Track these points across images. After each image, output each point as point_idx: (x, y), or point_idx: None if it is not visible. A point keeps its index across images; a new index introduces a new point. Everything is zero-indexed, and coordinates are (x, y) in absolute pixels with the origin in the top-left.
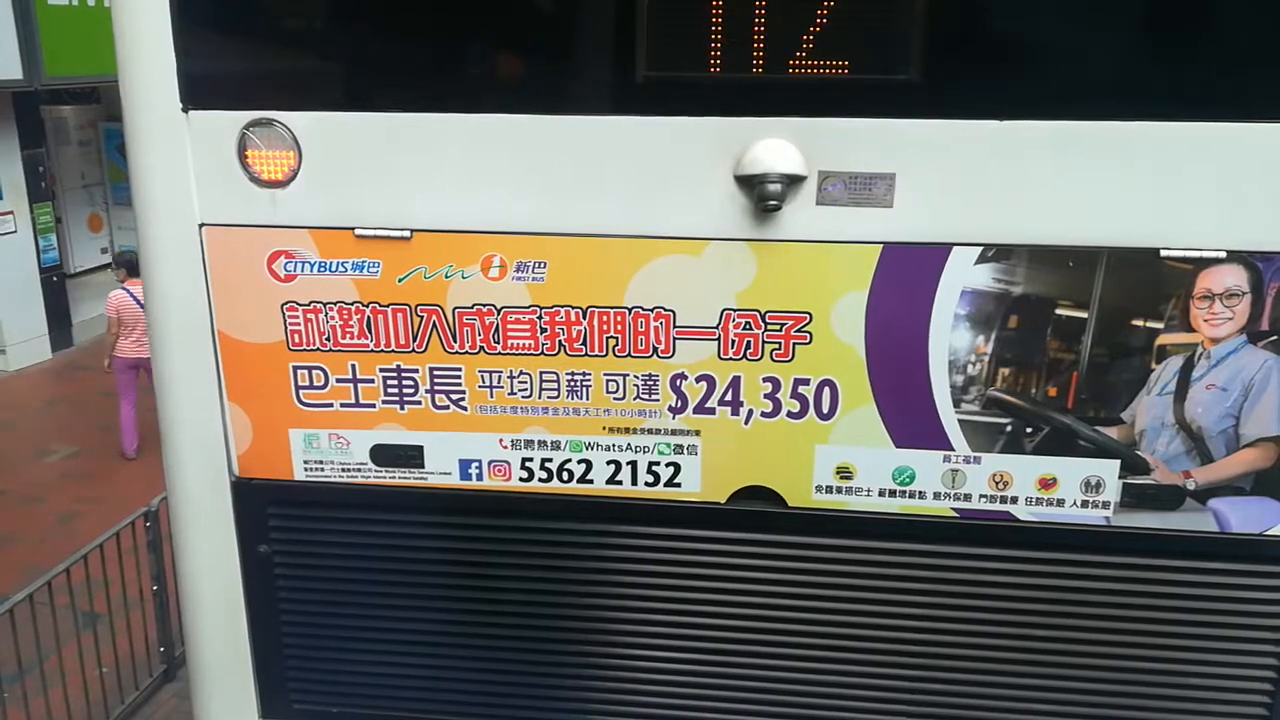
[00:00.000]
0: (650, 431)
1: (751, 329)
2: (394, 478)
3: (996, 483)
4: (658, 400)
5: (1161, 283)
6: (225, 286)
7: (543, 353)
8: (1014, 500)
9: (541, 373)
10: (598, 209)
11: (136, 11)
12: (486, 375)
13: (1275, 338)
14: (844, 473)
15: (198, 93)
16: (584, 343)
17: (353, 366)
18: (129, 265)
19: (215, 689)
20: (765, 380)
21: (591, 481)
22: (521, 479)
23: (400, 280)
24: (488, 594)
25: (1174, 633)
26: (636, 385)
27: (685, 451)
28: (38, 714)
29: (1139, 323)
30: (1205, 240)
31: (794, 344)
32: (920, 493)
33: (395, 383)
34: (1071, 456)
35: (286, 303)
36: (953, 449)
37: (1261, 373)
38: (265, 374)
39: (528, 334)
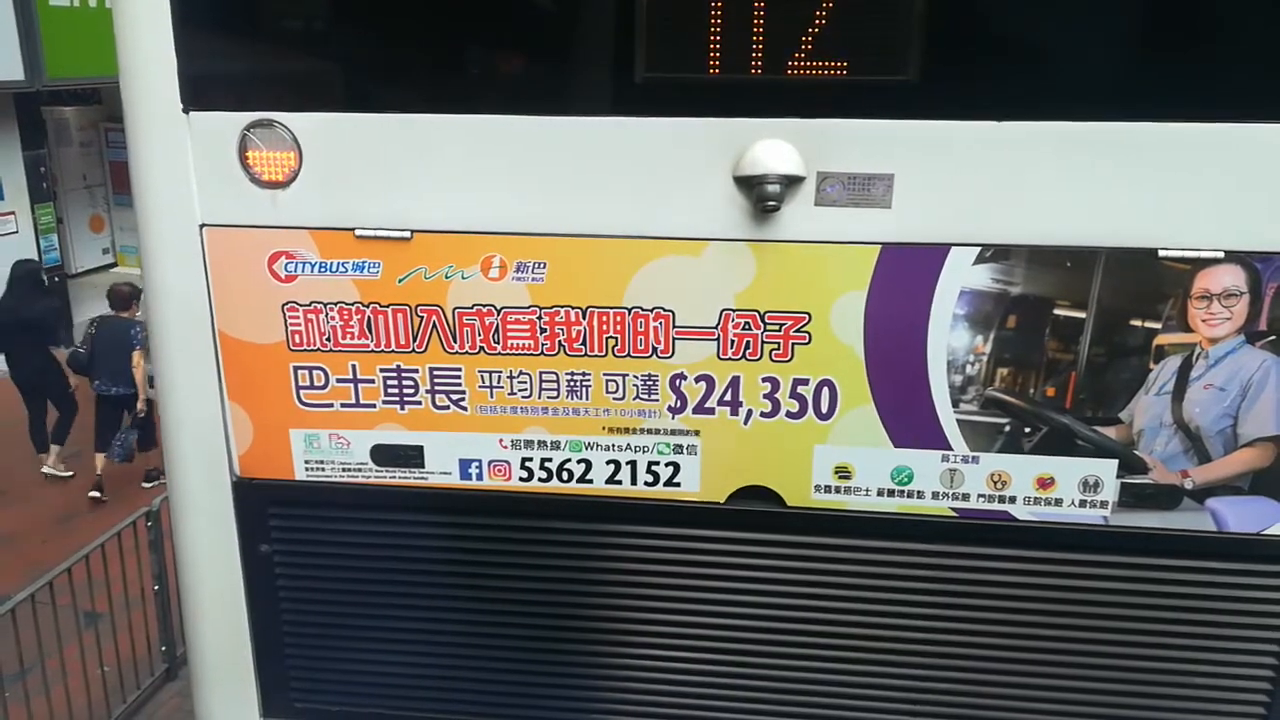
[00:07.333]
0: (650, 431)
1: (751, 329)
2: (394, 478)
3: (995, 482)
4: (657, 400)
5: (1159, 283)
6: (226, 287)
7: (542, 353)
8: (1012, 500)
9: (541, 373)
10: (597, 209)
11: (137, 13)
12: (486, 375)
13: (1273, 338)
14: (843, 472)
15: (198, 94)
16: (584, 343)
17: (353, 367)
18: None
19: (217, 688)
20: (764, 380)
21: (591, 481)
22: (521, 479)
23: (400, 280)
24: (488, 593)
25: (1172, 632)
26: (636, 385)
27: (684, 451)
28: (39, 713)
29: (1137, 323)
30: (1203, 240)
31: (793, 344)
32: (919, 492)
33: (395, 383)
34: (1069, 456)
35: (287, 303)
36: (951, 449)
37: (1259, 372)
38: (266, 374)
39: (527, 334)
